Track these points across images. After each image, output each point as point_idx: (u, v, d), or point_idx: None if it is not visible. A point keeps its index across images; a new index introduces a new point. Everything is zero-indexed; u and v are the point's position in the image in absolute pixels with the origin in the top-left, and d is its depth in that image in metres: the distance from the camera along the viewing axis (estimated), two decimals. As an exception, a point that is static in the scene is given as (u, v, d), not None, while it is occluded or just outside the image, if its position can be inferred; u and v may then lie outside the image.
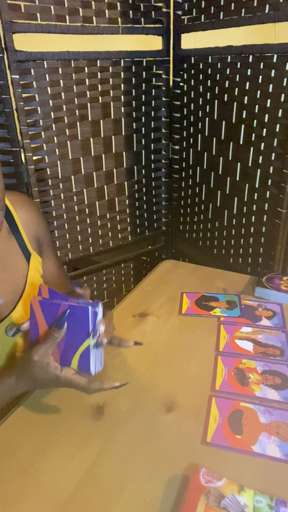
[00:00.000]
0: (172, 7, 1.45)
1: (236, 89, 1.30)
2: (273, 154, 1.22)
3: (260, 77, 1.20)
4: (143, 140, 1.64)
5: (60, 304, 0.63)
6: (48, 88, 1.34)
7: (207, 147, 1.51)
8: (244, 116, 1.30)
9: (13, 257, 0.80)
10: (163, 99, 1.61)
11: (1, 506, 0.56)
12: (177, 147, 1.69)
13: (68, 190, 1.53)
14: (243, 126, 1.31)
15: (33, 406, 0.72)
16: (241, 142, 1.33)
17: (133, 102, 1.55)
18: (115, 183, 1.64)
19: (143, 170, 1.70)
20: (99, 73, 1.42)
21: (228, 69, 1.31)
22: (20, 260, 0.81)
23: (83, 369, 0.64)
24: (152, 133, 1.66)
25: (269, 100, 1.19)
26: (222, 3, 1.25)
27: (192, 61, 1.47)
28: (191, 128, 1.58)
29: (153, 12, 1.44)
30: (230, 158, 1.41)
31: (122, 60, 1.45)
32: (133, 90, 1.53)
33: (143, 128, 1.62)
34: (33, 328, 0.65)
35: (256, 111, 1.24)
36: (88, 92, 1.43)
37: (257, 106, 1.23)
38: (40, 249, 0.89)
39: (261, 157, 1.27)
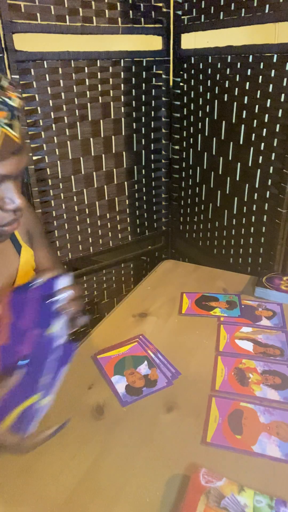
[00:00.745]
0: (172, 7, 1.45)
1: (236, 89, 1.30)
2: (273, 154, 1.22)
3: (260, 77, 1.20)
4: (143, 140, 1.64)
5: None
6: (48, 88, 1.34)
7: (207, 147, 1.51)
8: (244, 116, 1.30)
9: (5, 250, 0.81)
10: (163, 99, 1.61)
11: (1, 506, 0.56)
12: (177, 147, 1.68)
13: (68, 190, 1.53)
14: (243, 126, 1.31)
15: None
16: (241, 142, 1.33)
17: (133, 102, 1.55)
18: (115, 183, 1.64)
19: (143, 170, 1.70)
20: (99, 73, 1.42)
21: (228, 69, 1.31)
22: (11, 253, 0.81)
23: (19, 428, 0.55)
24: (152, 133, 1.66)
25: (269, 100, 1.19)
26: (222, 3, 1.25)
27: (192, 61, 1.47)
28: (191, 128, 1.58)
29: (153, 12, 1.44)
30: (230, 158, 1.41)
31: (122, 60, 1.45)
32: (133, 90, 1.53)
33: (143, 128, 1.62)
34: None
35: (256, 111, 1.24)
36: (88, 92, 1.43)
37: (257, 106, 1.23)
38: (31, 241, 0.89)
39: (261, 157, 1.27)
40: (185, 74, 1.53)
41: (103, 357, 0.84)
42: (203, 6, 1.33)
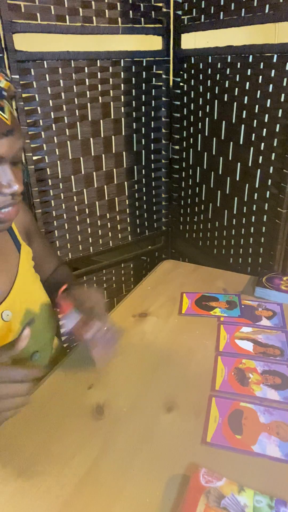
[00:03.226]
0: (172, 7, 1.45)
1: (236, 89, 1.30)
2: (273, 154, 1.22)
3: (260, 77, 1.20)
4: (143, 140, 1.64)
5: None
6: (48, 88, 1.34)
7: (207, 147, 1.51)
8: (244, 116, 1.29)
9: (6, 247, 0.82)
10: (163, 99, 1.61)
11: (1, 506, 0.56)
12: (177, 147, 1.68)
13: (68, 190, 1.53)
14: (243, 126, 1.31)
15: (33, 406, 0.72)
16: (241, 142, 1.33)
17: (133, 102, 1.55)
18: (115, 183, 1.64)
19: (143, 170, 1.70)
20: (99, 73, 1.42)
21: (228, 69, 1.31)
22: (12, 250, 0.83)
23: None
24: (152, 133, 1.66)
25: (269, 100, 1.19)
26: (222, 3, 1.25)
27: (192, 61, 1.47)
28: (191, 128, 1.58)
29: (153, 12, 1.44)
30: (230, 158, 1.41)
31: (122, 60, 1.45)
32: (133, 90, 1.53)
33: (143, 128, 1.62)
34: None
35: (256, 111, 1.24)
36: (88, 92, 1.43)
37: (257, 106, 1.23)
38: (29, 238, 0.91)
39: (261, 157, 1.27)
40: (185, 74, 1.53)
41: (103, 357, 0.84)
42: (203, 6, 1.33)
